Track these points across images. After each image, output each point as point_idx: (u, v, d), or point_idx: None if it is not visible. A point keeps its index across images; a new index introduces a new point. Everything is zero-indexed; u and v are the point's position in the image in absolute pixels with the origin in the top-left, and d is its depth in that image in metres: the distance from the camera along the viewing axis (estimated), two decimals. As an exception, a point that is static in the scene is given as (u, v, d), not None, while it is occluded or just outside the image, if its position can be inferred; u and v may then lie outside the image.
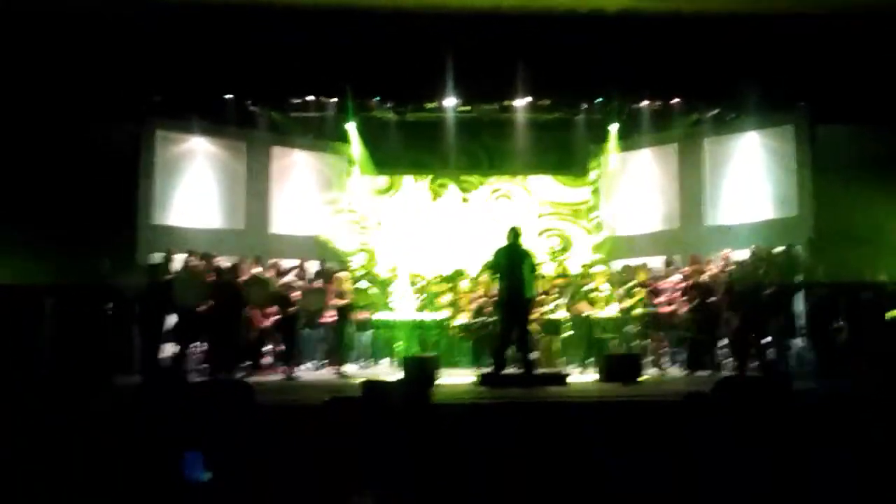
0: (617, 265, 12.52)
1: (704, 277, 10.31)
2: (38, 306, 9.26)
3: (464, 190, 14.30)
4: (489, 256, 9.51)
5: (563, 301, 10.97)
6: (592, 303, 10.65)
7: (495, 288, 9.90)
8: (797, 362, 9.57)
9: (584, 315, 10.61)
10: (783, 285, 9.66)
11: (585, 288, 10.88)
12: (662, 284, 10.66)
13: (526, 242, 9.51)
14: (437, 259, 12.99)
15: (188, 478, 4.34)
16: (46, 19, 9.77)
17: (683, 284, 10.40)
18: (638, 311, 10.38)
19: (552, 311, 10.60)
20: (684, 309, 10.24)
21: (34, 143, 10.48)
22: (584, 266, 12.36)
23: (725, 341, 10.12)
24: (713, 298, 9.96)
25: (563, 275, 11.83)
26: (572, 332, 10.63)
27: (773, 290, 9.57)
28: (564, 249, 14.10)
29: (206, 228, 12.14)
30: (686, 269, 10.74)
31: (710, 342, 10.13)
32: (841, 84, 10.70)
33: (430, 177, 14.28)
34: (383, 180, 14.26)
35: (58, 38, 9.89)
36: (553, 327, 10.25)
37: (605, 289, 10.73)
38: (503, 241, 9.18)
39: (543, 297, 10.68)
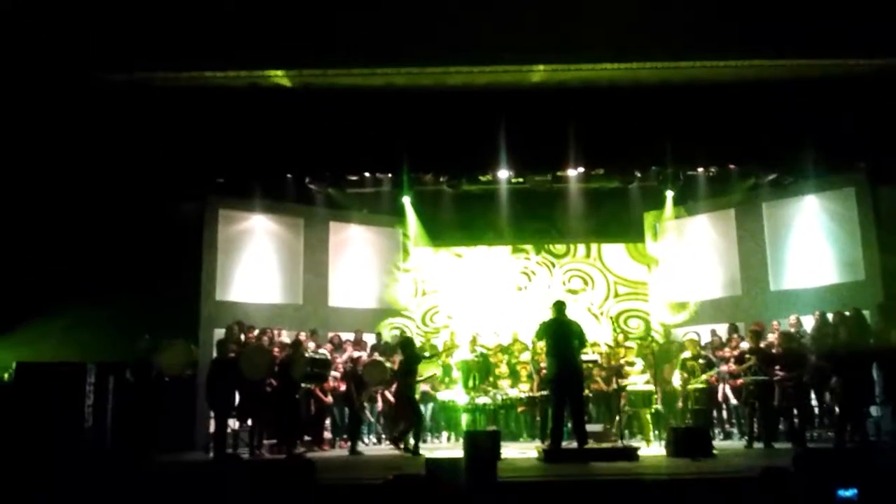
0: (679, 333, 12.25)
1: (767, 345, 10.04)
2: (103, 382, 9.38)
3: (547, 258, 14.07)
4: (535, 328, 9.25)
5: (638, 368, 10.77)
6: (693, 372, 10.35)
7: (543, 362, 9.70)
8: (875, 431, 9.15)
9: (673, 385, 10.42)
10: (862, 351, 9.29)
11: (684, 356, 10.62)
12: (727, 353, 10.41)
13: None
14: (499, 328, 12.87)
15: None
16: (111, 103, 10.19)
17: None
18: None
19: (628, 384, 10.34)
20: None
21: (104, 224, 10.84)
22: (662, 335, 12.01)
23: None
24: (778, 367, 9.62)
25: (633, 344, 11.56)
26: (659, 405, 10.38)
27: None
28: (647, 332, 13.34)
29: (266, 303, 12.29)
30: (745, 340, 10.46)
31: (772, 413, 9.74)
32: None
33: (499, 246, 14.04)
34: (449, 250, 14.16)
35: (121, 119, 10.27)
36: (644, 400, 10.10)
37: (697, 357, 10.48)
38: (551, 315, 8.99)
39: (626, 367, 10.50)
